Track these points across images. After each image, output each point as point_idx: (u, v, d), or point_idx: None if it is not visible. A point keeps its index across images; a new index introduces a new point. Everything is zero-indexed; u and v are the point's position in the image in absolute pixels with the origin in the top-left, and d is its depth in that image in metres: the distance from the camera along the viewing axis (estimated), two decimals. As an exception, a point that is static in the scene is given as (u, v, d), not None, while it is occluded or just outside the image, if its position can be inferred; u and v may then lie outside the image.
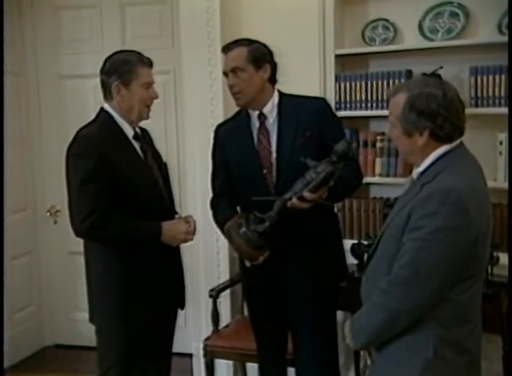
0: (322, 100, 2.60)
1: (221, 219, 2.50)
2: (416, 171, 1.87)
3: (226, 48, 2.45)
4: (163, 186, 2.47)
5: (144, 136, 2.50)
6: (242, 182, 2.50)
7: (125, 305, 2.32)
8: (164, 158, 2.60)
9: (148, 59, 2.39)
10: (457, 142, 1.83)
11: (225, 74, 2.47)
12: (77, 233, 2.31)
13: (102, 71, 2.37)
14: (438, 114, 1.77)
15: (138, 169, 2.36)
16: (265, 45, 2.46)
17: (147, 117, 2.44)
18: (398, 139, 1.87)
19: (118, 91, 2.33)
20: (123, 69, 2.32)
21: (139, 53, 2.39)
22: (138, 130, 2.44)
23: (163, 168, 2.53)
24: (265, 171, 2.44)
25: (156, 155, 2.53)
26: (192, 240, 2.45)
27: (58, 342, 4.29)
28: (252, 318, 2.72)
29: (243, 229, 2.30)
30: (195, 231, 2.45)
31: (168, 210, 2.47)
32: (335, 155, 2.20)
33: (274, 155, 2.44)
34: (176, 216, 2.48)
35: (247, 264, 2.43)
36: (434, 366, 1.76)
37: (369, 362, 1.97)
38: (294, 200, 2.24)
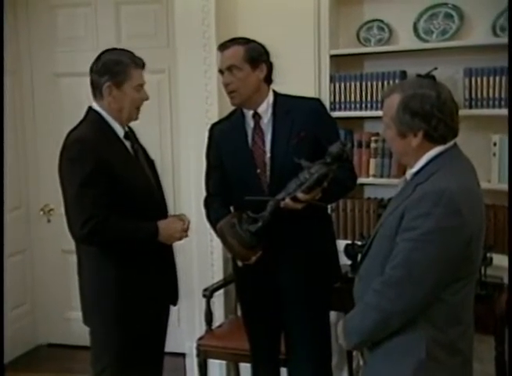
0: (317, 101, 2.60)
1: (214, 219, 2.50)
2: (410, 172, 1.87)
3: (223, 47, 2.44)
4: (154, 184, 2.46)
5: (131, 134, 2.49)
6: (236, 181, 2.50)
7: (120, 306, 2.30)
8: (158, 157, 2.59)
9: (140, 59, 2.36)
10: (451, 143, 1.83)
11: (221, 71, 2.46)
12: (77, 239, 2.28)
13: (94, 70, 2.32)
14: (431, 115, 1.77)
15: (132, 169, 2.34)
16: (261, 45, 2.46)
17: (136, 119, 2.41)
18: (392, 140, 1.87)
19: (110, 92, 2.30)
20: (116, 70, 2.29)
21: (132, 53, 2.35)
22: (127, 129, 2.43)
23: (152, 166, 2.52)
24: (258, 170, 2.44)
25: (144, 153, 2.51)
26: (187, 236, 2.45)
27: (51, 341, 4.28)
28: (245, 318, 2.72)
29: (236, 228, 2.30)
30: (188, 228, 2.44)
31: (162, 209, 2.46)
32: (329, 156, 2.20)
33: (268, 155, 2.44)
34: (168, 215, 2.47)
35: (239, 264, 2.44)
36: (426, 366, 1.76)
37: (361, 362, 1.97)
38: (287, 200, 2.23)
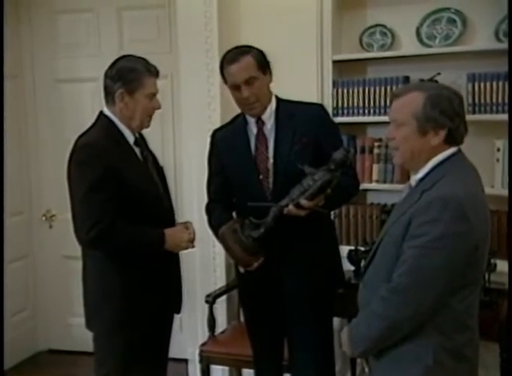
0: (320, 106, 2.59)
1: (216, 224, 2.48)
2: (415, 178, 1.86)
3: (233, 60, 2.36)
4: (163, 191, 2.45)
5: (142, 141, 2.48)
6: (238, 187, 2.49)
7: (124, 312, 2.29)
8: (161, 163, 2.58)
9: (154, 67, 2.35)
10: (455, 149, 1.84)
11: (236, 87, 2.37)
12: (82, 244, 2.27)
13: (108, 75, 2.32)
14: (456, 115, 1.80)
15: (141, 175, 2.33)
16: (260, 50, 2.43)
17: (148, 126, 2.40)
18: (407, 138, 1.83)
19: (122, 98, 2.29)
20: (129, 77, 2.28)
21: (147, 61, 2.34)
22: (137, 135, 2.42)
23: (160, 172, 2.51)
24: (261, 176, 2.43)
25: (154, 160, 2.51)
26: (193, 247, 2.43)
27: (52, 347, 4.26)
28: (248, 324, 2.70)
29: (238, 234, 2.28)
30: (194, 238, 2.43)
31: (169, 216, 2.45)
32: (333, 163, 2.18)
33: (271, 161, 2.42)
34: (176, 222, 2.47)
35: (241, 270, 2.42)
36: (433, 374, 1.75)
37: (366, 369, 1.95)
38: (291, 207, 2.22)
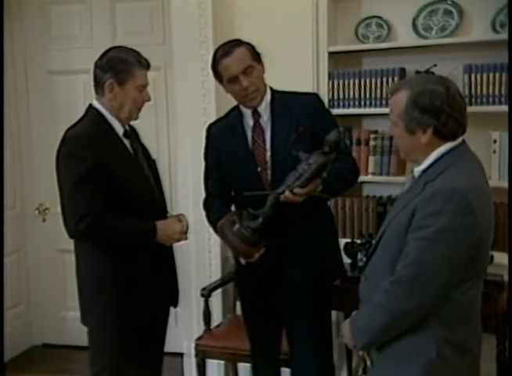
0: (315, 95, 2.58)
1: (214, 219, 2.46)
2: (418, 169, 1.84)
3: (226, 53, 2.35)
4: (154, 184, 2.43)
5: (132, 133, 2.46)
6: (236, 181, 2.47)
7: (119, 306, 2.28)
8: (155, 156, 2.57)
9: (145, 60, 2.34)
10: (459, 140, 1.81)
11: (234, 78, 2.35)
12: (72, 236, 2.25)
13: (98, 65, 2.31)
14: (441, 111, 1.75)
15: (131, 168, 2.32)
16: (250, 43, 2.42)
17: (136, 118, 2.39)
18: (400, 137, 1.84)
19: (111, 89, 2.28)
20: (120, 67, 2.27)
21: (138, 53, 2.33)
22: (127, 127, 2.41)
23: (152, 165, 2.49)
24: (259, 169, 2.41)
25: (146, 152, 2.49)
26: (186, 239, 2.42)
27: (46, 342, 4.24)
28: (246, 317, 2.69)
29: (237, 226, 2.27)
30: (187, 230, 2.41)
31: (160, 208, 2.44)
32: (327, 145, 2.17)
33: (269, 153, 2.41)
34: (168, 215, 2.45)
35: (242, 262, 2.40)
36: (436, 366, 1.74)
37: (368, 362, 1.94)
38: (287, 193, 2.20)
